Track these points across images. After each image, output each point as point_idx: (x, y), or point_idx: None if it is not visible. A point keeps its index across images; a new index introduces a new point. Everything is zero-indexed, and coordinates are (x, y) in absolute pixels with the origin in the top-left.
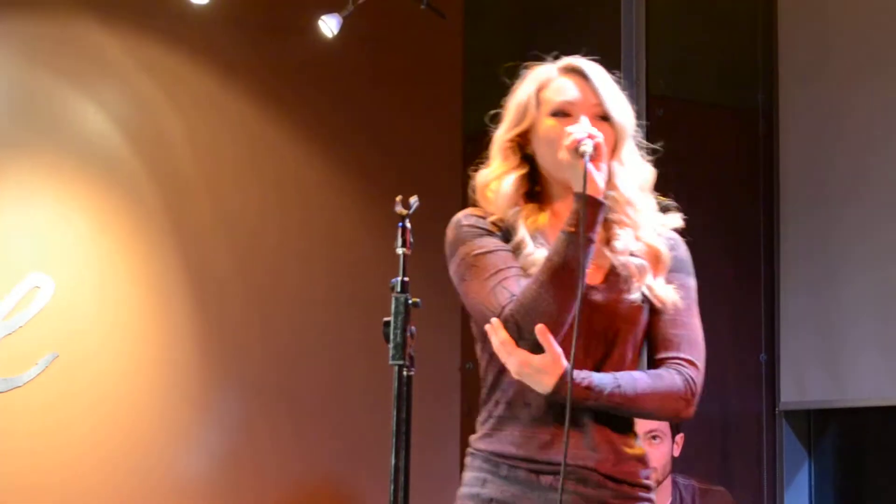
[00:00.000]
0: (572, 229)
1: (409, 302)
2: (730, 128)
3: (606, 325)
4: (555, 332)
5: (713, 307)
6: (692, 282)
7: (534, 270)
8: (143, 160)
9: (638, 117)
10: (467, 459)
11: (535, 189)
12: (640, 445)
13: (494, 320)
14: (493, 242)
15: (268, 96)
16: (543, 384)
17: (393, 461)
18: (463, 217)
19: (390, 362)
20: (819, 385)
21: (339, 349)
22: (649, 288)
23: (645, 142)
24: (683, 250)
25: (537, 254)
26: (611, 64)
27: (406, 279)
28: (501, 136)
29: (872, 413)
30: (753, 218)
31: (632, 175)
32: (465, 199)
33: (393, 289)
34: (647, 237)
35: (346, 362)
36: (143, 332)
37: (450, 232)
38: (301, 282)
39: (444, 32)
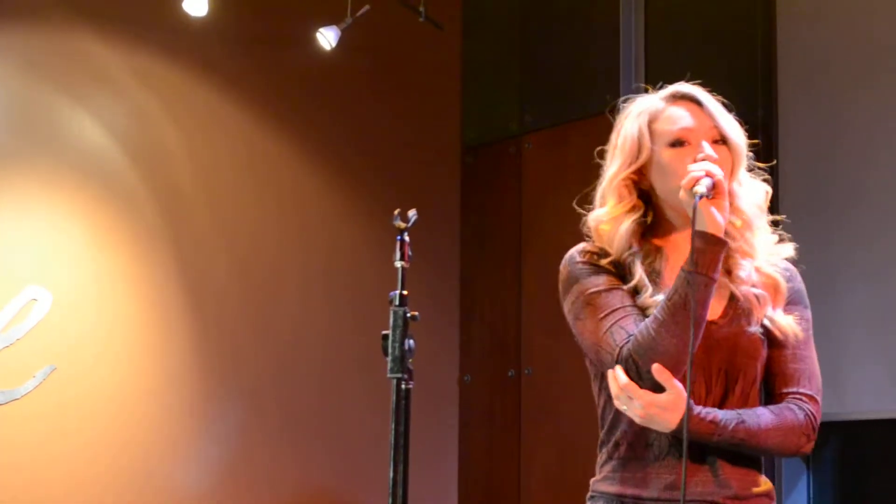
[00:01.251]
0: (694, 269)
1: (408, 315)
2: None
3: (728, 360)
4: (675, 372)
5: None
6: (809, 314)
7: (652, 311)
8: (141, 172)
9: None
10: (588, 503)
11: (649, 221)
12: (766, 481)
13: (617, 369)
14: (609, 281)
15: (266, 108)
16: (668, 422)
17: (391, 474)
18: (577, 254)
19: (388, 375)
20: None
21: (337, 361)
22: (770, 319)
23: (756, 162)
24: (799, 281)
25: (657, 296)
26: (608, 78)
27: (404, 292)
28: (615, 173)
29: (871, 426)
30: None
31: (749, 195)
32: (463, 210)
33: (391, 302)
34: (765, 267)
35: (344, 374)
36: (141, 344)
37: (563, 269)
38: (299, 294)
39: (442, 44)
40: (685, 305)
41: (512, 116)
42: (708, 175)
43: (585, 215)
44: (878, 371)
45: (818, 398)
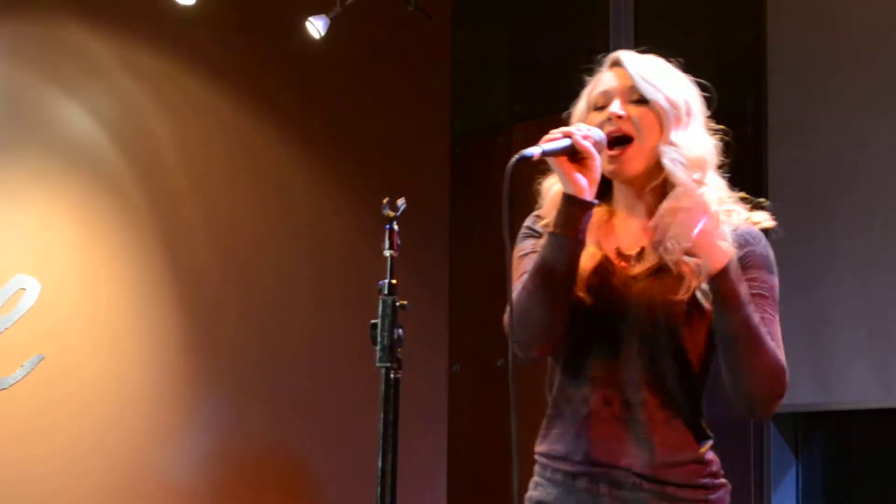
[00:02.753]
0: (555, 230)
1: (397, 304)
2: (718, 130)
3: (644, 317)
4: (544, 334)
5: None
6: (774, 279)
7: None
8: (130, 162)
9: None
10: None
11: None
12: (703, 446)
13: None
14: (529, 245)
15: (255, 97)
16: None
17: (380, 463)
18: (529, 218)
19: (377, 365)
20: (806, 388)
21: (327, 351)
22: (703, 292)
23: (712, 122)
24: (763, 246)
25: None
26: (598, 65)
27: (393, 281)
28: None
29: (860, 416)
30: None
31: (687, 157)
32: (452, 199)
33: (380, 291)
34: None
35: (333, 363)
36: (130, 333)
37: None
38: (288, 283)
39: (431, 34)
40: (544, 267)
41: (501, 107)
42: (566, 136)
43: None
44: (866, 362)
45: (785, 366)
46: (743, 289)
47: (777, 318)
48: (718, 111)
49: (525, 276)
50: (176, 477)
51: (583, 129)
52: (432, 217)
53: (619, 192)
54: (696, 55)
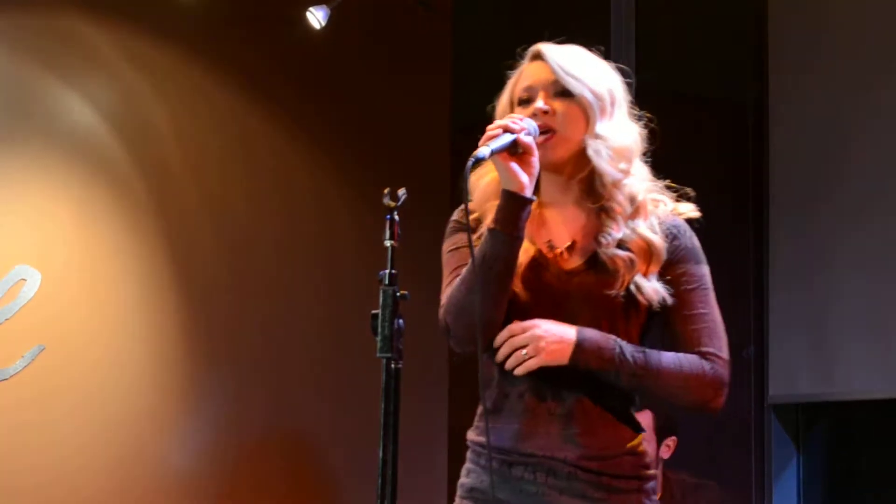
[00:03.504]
0: (495, 226)
1: (398, 294)
2: (719, 121)
3: (578, 313)
4: (486, 330)
5: None
6: (703, 269)
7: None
8: (130, 152)
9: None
10: (467, 453)
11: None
12: (637, 437)
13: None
14: (460, 239)
15: (255, 88)
16: (563, 355)
17: (381, 454)
18: (456, 211)
19: (378, 355)
20: (807, 379)
21: (328, 341)
22: (636, 285)
23: (637, 111)
24: (689, 238)
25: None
26: (600, 57)
27: (394, 272)
28: None
29: (861, 407)
30: (742, 211)
31: (612, 148)
32: (453, 190)
33: (381, 281)
34: (641, 228)
35: (334, 354)
36: (131, 324)
37: None
38: (290, 273)
39: (432, 24)
40: (484, 263)
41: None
42: (507, 131)
43: None
44: (868, 352)
45: (722, 354)
46: (608, 351)
47: (713, 305)
48: (720, 102)
49: (463, 271)
50: (176, 467)
51: (517, 121)
52: (433, 207)
53: (546, 183)
54: (697, 49)
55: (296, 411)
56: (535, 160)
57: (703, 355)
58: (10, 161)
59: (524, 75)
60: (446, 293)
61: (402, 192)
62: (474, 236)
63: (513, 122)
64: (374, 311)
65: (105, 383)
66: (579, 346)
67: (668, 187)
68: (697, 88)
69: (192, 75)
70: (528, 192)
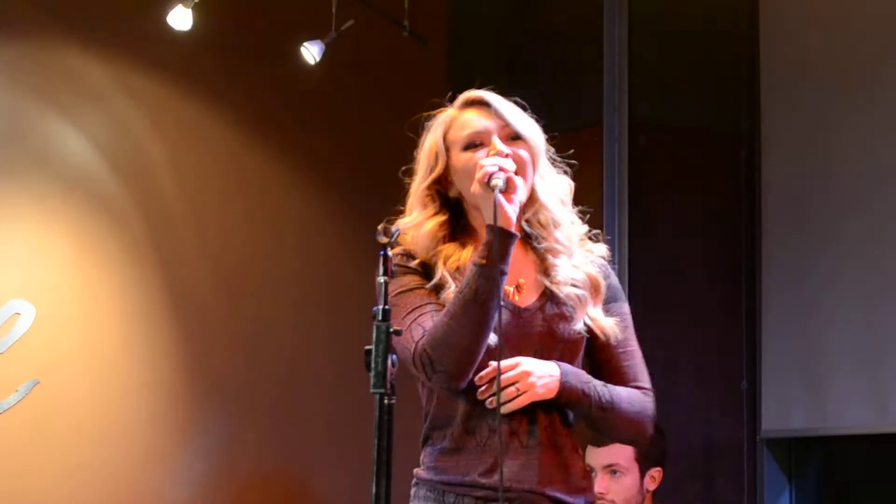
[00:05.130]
0: (483, 261)
1: (391, 330)
2: (712, 154)
3: (541, 347)
4: (470, 364)
5: (695, 334)
6: (627, 307)
7: None
8: (126, 186)
9: (620, 142)
10: (412, 490)
11: (459, 226)
12: (583, 463)
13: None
14: (412, 280)
15: (250, 122)
16: (552, 390)
17: (374, 489)
18: (395, 255)
19: (371, 391)
20: (800, 413)
21: (322, 377)
22: (592, 319)
23: (558, 157)
24: (614, 277)
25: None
26: (592, 93)
27: (387, 307)
28: (417, 186)
29: (854, 441)
30: (735, 244)
31: (553, 191)
32: None
33: (374, 317)
34: (584, 265)
35: (328, 389)
36: (125, 358)
37: None
38: (286, 306)
39: (426, 58)
40: (475, 298)
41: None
42: (501, 169)
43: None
44: (860, 387)
45: (652, 389)
46: (584, 385)
47: (636, 341)
48: (713, 135)
49: (449, 307)
50: (171, 501)
51: (505, 162)
52: None
53: (482, 225)
54: (689, 78)
55: (290, 446)
56: (517, 198)
57: (640, 390)
58: (4, 194)
59: (465, 121)
60: (415, 331)
61: (395, 228)
62: (429, 284)
63: (502, 162)
64: (367, 347)
65: (100, 417)
66: (564, 381)
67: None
68: (690, 121)
69: (188, 108)
70: (513, 227)
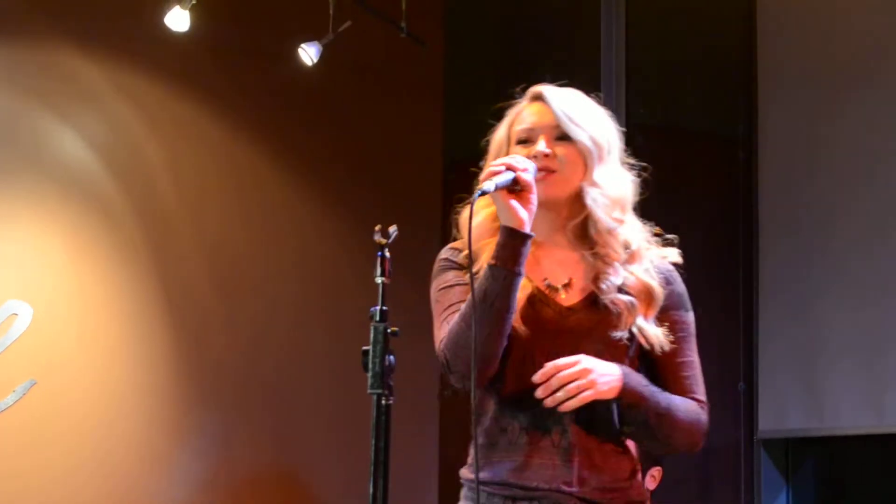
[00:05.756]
0: (496, 262)
1: (388, 331)
2: (710, 156)
3: (588, 351)
4: (486, 366)
5: None
6: (691, 316)
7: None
8: (123, 187)
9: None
10: (461, 491)
11: None
12: (638, 466)
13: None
14: (452, 277)
15: (248, 123)
16: (614, 388)
17: (371, 490)
18: (442, 252)
19: (369, 391)
20: (797, 414)
21: (320, 377)
22: (640, 329)
23: (632, 160)
24: (679, 283)
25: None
26: (589, 93)
27: (385, 308)
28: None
29: (850, 442)
30: (733, 247)
31: (609, 192)
32: (445, 226)
33: (372, 318)
34: (640, 272)
35: (326, 390)
36: (122, 358)
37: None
38: (282, 307)
39: (424, 60)
40: (484, 299)
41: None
42: (509, 169)
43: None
44: (857, 387)
45: (706, 402)
46: (644, 388)
47: (696, 352)
48: (710, 138)
49: (462, 307)
50: (166, 500)
51: (520, 161)
52: (425, 242)
53: (539, 221)
54: (686, 81)
55: (287, 446)
56: (535, 198)
57: (695, 402)
58: (1, 195)
59: (523, 115)
60: (443, 329)
61: (392, 229)
62: (468, 275)
63: (515, 161)
64: (364, 348)
65: (97, 417)
66: (626, 381)
67: (654, 234)
68: (688, 124)
69: (185, 110)
70: (528, 229)
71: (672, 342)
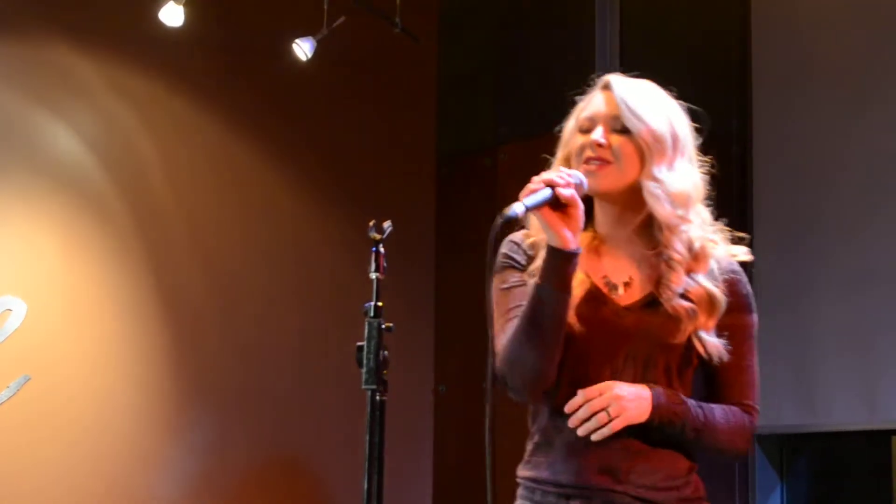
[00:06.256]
0: (542, 282)
1: (383, 326)
2: (703, 151)
3: (642, 354)
4: (539, 383)
5: None
6: (754, 318)
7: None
8: (116, 183)
9: None
10: (517, 490)
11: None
12: (692, 470)
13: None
14: (510, 276)
15: (241, 119)
16: (642, 413)
17: (365, 485)
18: (506, 242)
19: (363, 387)
20: (791, 410)
21: (314, 373)
22: (699, 337)
23: (699, 155)
24: (745, 285)
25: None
26: (584, 88)
27: (379, 304)
28: (553, 164)
29: (845, 438)
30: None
31: (674, 190)
32: (438, 221)
33: (366, 314)
34: (701, 278)
35: (320, 386)
36: (116, 354)
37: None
38: (274, 304)
39: (417, 55)
40: (534, 319)
41: (487, 128)
42: (548, 185)
43: None
44: (851, 383)
45: (758, 407)
46: (677, 406)
47: (754, 355)
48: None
49: (514, 322)
50: (161, 497)
51: (564, 175)
52: (418, 238)
53: (601, 214)
54: (680, 76)
55: (281, 443)
56: (580, 213)
57: (745, 407)
58: None
59: (590, 104)
60: (500, 341)
61: (387, 224)
62: (531, 267)
63: (558, 177)
64: (359, 343)
65: (90, 413)
66: (656, 403)
67: (723, 230)
68: None
69: (178, 106)
70: (573, 246)
71: (730, 346)
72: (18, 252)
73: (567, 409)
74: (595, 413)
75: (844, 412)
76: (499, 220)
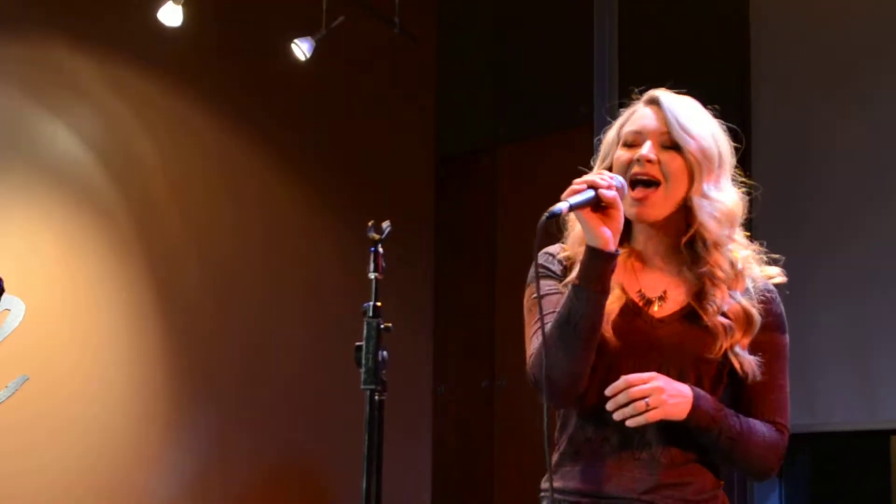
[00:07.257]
0: (579, 283)
1: (381, 326)
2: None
3: (676, 367)
4: (573, 387)
5: None
6: (786, 339)
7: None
8: (115, 182)
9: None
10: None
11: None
12: (721, 482)
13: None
14: (547, 286)
15: (240, 118)
16: (683, 410)
17: (364, 485)
18: (542, 254)
19: (362, 387)
20: (790, 409)
21: (312, 372)
22: (735, 354)
23: (742, 176)
24: (779, 304)
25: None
26: (581, 91)
27: (378, 304)
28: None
29: (841, 437)
30: None
31: (717, 208)
32: (437, 221)
33: (365, 313)
34: (738, 296)
35: (317, 385)
36: (115, 354)
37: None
38: (272, 303)
39: (416, 55)
40: (568, 320)
41: (486, 128)
42: (591, 186)
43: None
44: (850, 384)
45: (788, 426)
46: (716, 412)
47: (786, 375)
48: None
49: (547, 328)
50: (160, 496)
51: (606, 177)
52: (417, 238)
53: (639, 233)
54: (679, 74)
55: (279, 442)
56: (621, 215)
57: (777, 426)
58: None
59: (635, 117)
60: (533, 345)
61: (386, 224)
62: (565, 279)
63: (601, 179)
64: (357, 343)
65: (89, 413)
66: (696, 404)
67: (756, 251)
68: None
69: (177, 106)
70: (612, 247)
71: (763, 365)
72: (17, 252)
73: (608, 391)
74: (634, 400)
75: (841, 412)
76: (543, 218)
